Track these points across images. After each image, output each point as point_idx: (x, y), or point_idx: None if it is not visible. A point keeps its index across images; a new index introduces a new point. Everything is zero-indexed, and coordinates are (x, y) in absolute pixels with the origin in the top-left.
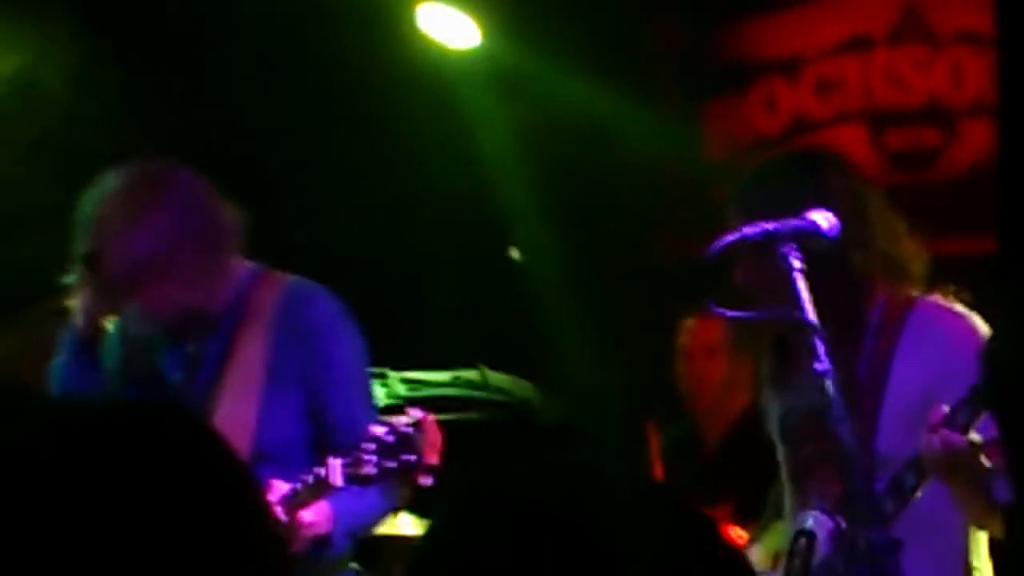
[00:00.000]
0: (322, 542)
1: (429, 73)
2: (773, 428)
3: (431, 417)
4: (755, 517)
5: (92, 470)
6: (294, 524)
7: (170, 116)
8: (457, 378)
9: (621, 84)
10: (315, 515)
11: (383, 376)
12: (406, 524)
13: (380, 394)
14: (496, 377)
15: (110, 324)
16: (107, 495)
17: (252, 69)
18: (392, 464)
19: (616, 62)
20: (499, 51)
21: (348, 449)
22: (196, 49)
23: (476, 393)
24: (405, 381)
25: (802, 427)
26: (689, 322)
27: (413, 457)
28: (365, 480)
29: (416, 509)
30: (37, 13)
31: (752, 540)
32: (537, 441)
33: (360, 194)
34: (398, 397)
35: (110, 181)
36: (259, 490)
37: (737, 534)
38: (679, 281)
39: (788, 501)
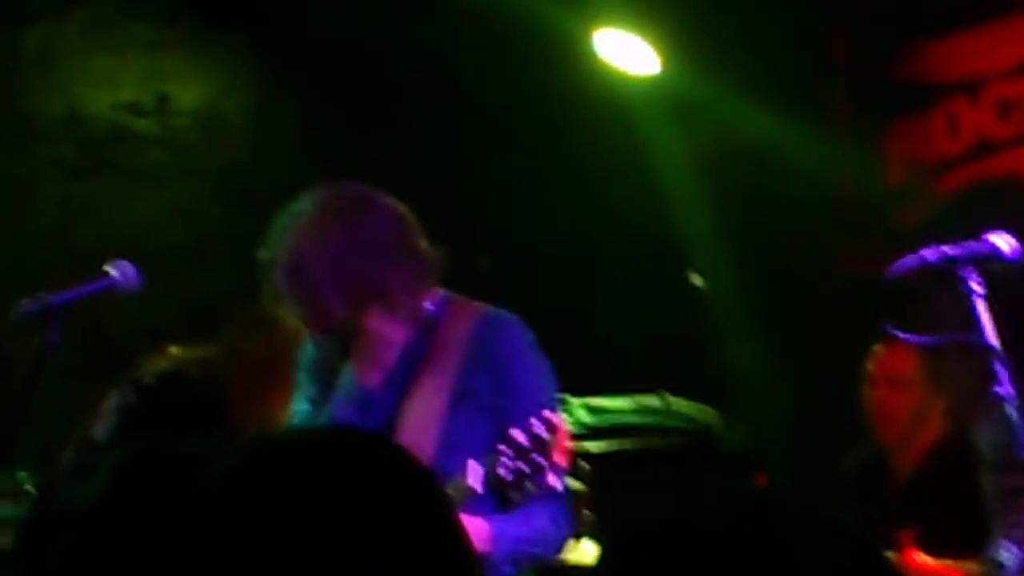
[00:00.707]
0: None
1: (608, 100)
2: (984, 457)
3: (558, 417)
4: (943, 545)
5: (304, 500)
6: None
7: (350, 146)
8: (639, 405)
9: (799, 108)
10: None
11: (565, 403)
12: (588, 551)
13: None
14: (678, 403)
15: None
16: (319, 522)
17: (435, 99)
18: (523, 466)
19: (794, 86)
20: (677, 77)
21: (487, 454)
22: (376, 80)
23: (658, 420)
24: (587, 408)
25: (1003, 457)
26: (877, 349)
27: (541, 457)
28: (500, 484)
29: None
30: (219, 47)
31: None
32: (719, 468)
33: (541, 220)
34: (580, 424)
35: (313, 197)
36: (459, 518)
37: (921, 560)
38: (860, 305)
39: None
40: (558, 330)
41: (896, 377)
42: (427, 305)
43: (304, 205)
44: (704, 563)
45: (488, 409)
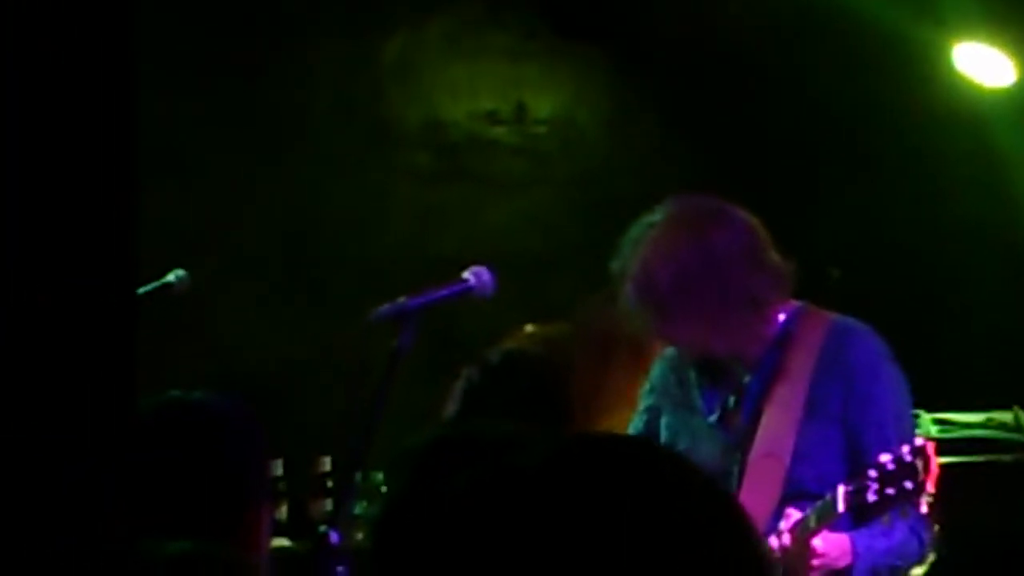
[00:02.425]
0: (841, 573)
1: (964, 112)
2: None
3: (930, 444)
4: None
5: (603, 509)
6: (803, 551)
7: (705, 158)
8: (990, 420)
9: None
10: (828, 546)
11: (915, 416)
12: None
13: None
14: None
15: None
16: (615, 533)
17: (790, 111)
18: (891, 491)
19: None
20: None
21: (856, 477)
22: (734, 96)
23: (1010, 435)
24: (937, 422)
25: None
26: None
27: (911, 484)
28: (865, 508)
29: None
30: (574, 57)
31: None
32: None
33: (894, 232)
34: (929, 438)
35: (664, 209)
36: (748, 525)
37: None
38: None
39: None
40: (909, 343)
41: None
42: (780, 316)
43: (655, 217)
44: None
45: (839, 419)
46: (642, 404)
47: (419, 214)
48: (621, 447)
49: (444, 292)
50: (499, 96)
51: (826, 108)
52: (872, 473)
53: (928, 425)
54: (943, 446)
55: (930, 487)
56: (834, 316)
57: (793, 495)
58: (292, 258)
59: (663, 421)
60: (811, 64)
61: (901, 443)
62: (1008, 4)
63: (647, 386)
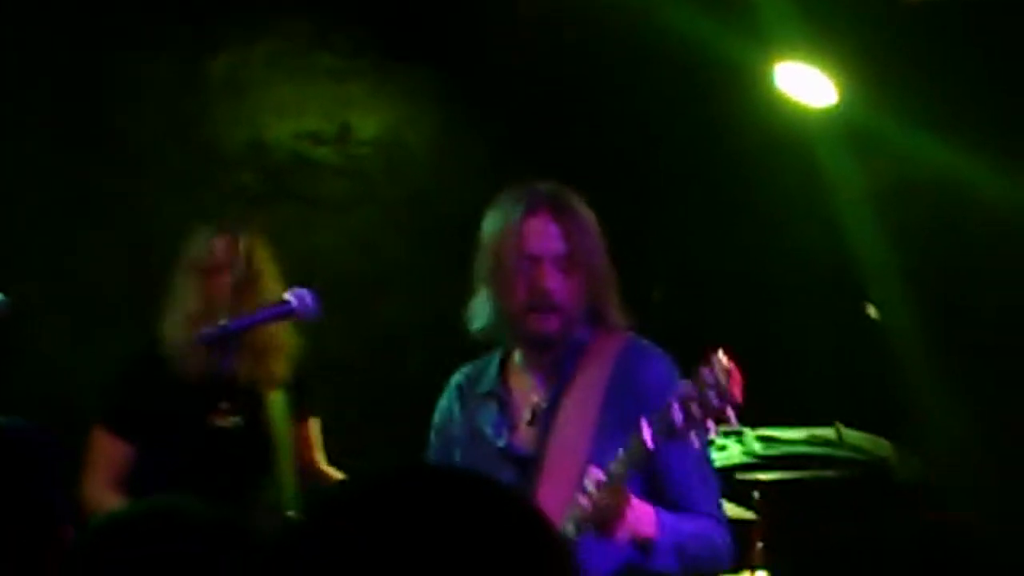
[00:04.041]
0: (646, 545)
1: (788, 132)
2: None
3: (727, 357)
4: None
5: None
6: (617, 500)
7: (532, 177)
8: (813, 436)
9: (981, 140)
10: (637, 505)
11: (740, 433)
12: None
13: (736, 451)
14: (852, 435)
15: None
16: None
17: (616, 131)
18: (698, 410)
19: (976, 118)
20: (856, 108)
21: (655, 412)
22: (559, 112)
23: (832, 451)
24: (761, 439)
25: None
26: None
27: (718, 400)
28: (675, 432)
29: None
30: (402, 77)
31: None
32: (892, 499)
33: (718, 251)
34: (753, 454)
35: (528, 185)
36: (566, 557)
37: None
38: None
39: None
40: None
41: None
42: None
43: (534, 189)
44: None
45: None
46: (431, 449)
47: None
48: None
49: (266, 314)
50: (324, 117)
51: (654, 130)
52: (674, 403)
53: (752, 442)
54: (767, 463)
55: (737, 395)
56: (629, 335)
57: None
58: (121, 280)
59: (456, 456)
60: (639, 87)
61: (694, 459)
62: (827, 24)
63: (432, 431)
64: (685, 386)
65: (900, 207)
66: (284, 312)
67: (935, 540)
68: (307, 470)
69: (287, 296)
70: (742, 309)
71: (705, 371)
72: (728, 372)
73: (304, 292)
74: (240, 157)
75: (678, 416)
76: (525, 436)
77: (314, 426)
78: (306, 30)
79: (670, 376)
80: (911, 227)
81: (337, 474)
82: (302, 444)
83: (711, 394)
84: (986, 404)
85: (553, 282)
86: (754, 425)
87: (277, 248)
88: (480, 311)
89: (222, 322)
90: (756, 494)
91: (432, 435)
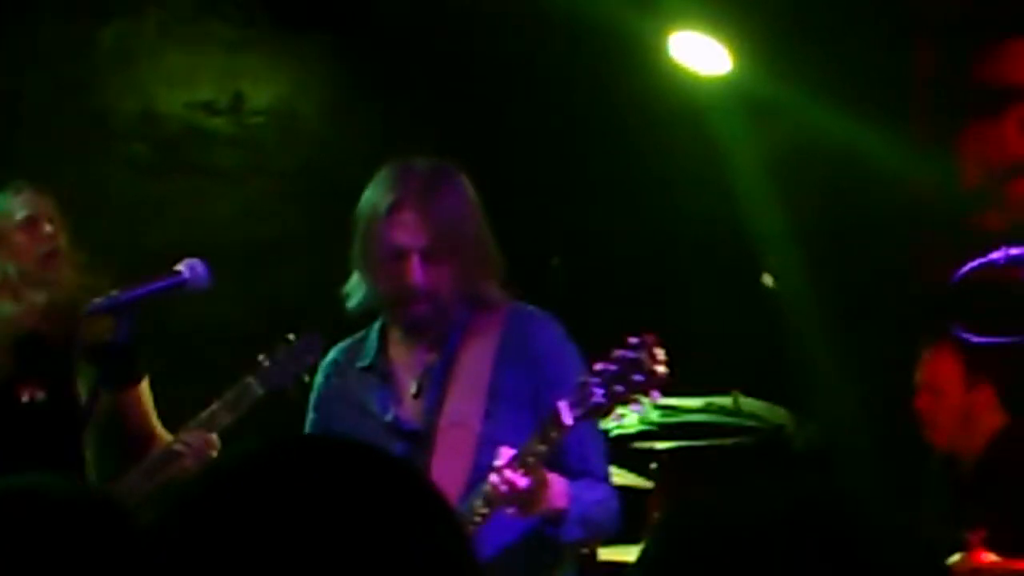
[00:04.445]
0: (557, 518)
1: (681, 101)
2: None
3: (652, 336)
4: (1013, 544)
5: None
6: (536, 476)
7: (427, 146)
8: (710, 404)
9: (874, 109)
10: (554, 481)
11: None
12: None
13: (633, 419)
14: (749, 404)
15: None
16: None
17: (509, 98)
18: (621, 388)
19: (869, 87)
20: (750, 77)
21: (575, 390)
22: (454, 82)
23: (729, 420)
24: (658, 407)
25: None
26: (925, 355)
27: (641, 377)
28: (595, 410)
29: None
30: (295, 47)
31: None
32: (790, 467)
33: (614, 219)
34: (651, 423)
35: (405, 163)
36: (459, 527)
37: (989, 559)
38: (933, 307)
39: None
40: (632, 330)
41: (938, 385)
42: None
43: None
44: (735, 558)
45: (529, 404)
46: (310, 427)
47: (135, 207)
48: (307, 447)
49: (157, 285)
50: (217, 86)
51: (548, 96)
52: (593, 380)
53: (650, 410)
54: (665, 432)
55: (661, 373)
56: (512, 303)
57: (483, 475)
58: None
59: (340, 432)
60: (534, 55)
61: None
62: None
63: (310, 410)
64: (605, 364)
65: (795, 175)
66: (176, 283)
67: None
68: (138, 436)
69: (179, 267)
70: (639, 277)
71: (627, 349)
72: (652, 350)
73: (196, 262)
74: (131, 127)
75: (598, 394)
76: (412, 410)
77: (145, 388)
78: None
79: (561, 340)
80: (806, 195)
81: (168, 436)
82: (130, 411)
83: (633, 372)
84: (879, 371)
85: (419, 276)
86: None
87: (171, 218)
88: (355, 291)
89: (112, 293)
90: (654, 463)
91: (310, 413)
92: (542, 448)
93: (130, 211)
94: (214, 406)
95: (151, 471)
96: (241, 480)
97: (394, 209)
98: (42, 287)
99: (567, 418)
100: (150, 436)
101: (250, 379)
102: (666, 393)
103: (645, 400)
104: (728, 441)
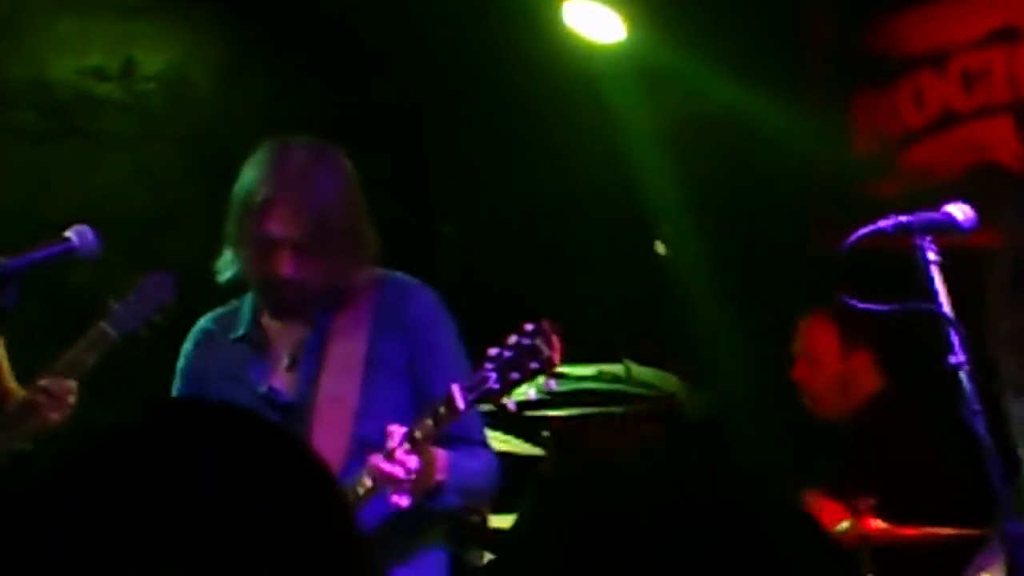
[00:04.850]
0: (435, 490)
1: (575, 69)
2: (1017, 430)
3: (549, 321)
4: (901, 512)
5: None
6: (427, 457)
7: (317, 113)
8: (602, 372)
9: (769, 78)
10: (439, 457)
11: None
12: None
13: (525, 387)
14: (641, 372)
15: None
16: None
17: (399, 64)
18: (516, 375)
19: (763, 56)
20: (645, 45)
21: (470, 374)
22: (344, 49)
23: (621, 387)
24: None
25: None
26: (802, 326)
27: (536, 364)
28: (490, 395)
29: None
30: (184, 12)
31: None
32: (680, 435)
33: (507, 188)
34: (542, 391)
35: (282, 144)
36: (340, 492)
37: (876, 526)
38: (827, 275)
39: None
40: (524, 298)
41: (815, 354)
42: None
43: (282, 148)
44: (605, 521)
45: (404, 372)
46: (177, 388)
47: (25, 173)
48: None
49: (45, 252)
50: (108, 53)
51: (438, 60)
52: (488, 366)
53: (541, 377)
54: (558, 399)
55: (557, 360)
56: (383, 272)
57: (362, 448)
58: None
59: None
60: (424, 20)
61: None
62: None
63: (179, 369)
64: (500, 349)
65: (688, 143)
66: (65, 249)
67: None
68: None
69: (68, 233)
70: (531, 245)
71: (523, 335)
72: (548, 336)
73: (85, 229)
74: (21, 95)
75: (492, 379)
76: (286, 381)
77: None
78: None
79: (435, 308)
80: (699, 163)
81: (21, 391)
82: None
83: (529, 359)
84: (771, 339)
85: (288, 268)
86: None
87: (61, 186)
88: (227, 268)
89: (0, 261)
90: (545, 431)
91: (178, 380)
92: (431, 428)
93: (20, 178)
94: (69, 353)
95: (10, 425)
96: (123, 442)
97: (267, 202)
98: None
99: (460, 402)
100: (3, 394)
101: (103, 323)
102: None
103: (538, 385)
104: (620, 409)
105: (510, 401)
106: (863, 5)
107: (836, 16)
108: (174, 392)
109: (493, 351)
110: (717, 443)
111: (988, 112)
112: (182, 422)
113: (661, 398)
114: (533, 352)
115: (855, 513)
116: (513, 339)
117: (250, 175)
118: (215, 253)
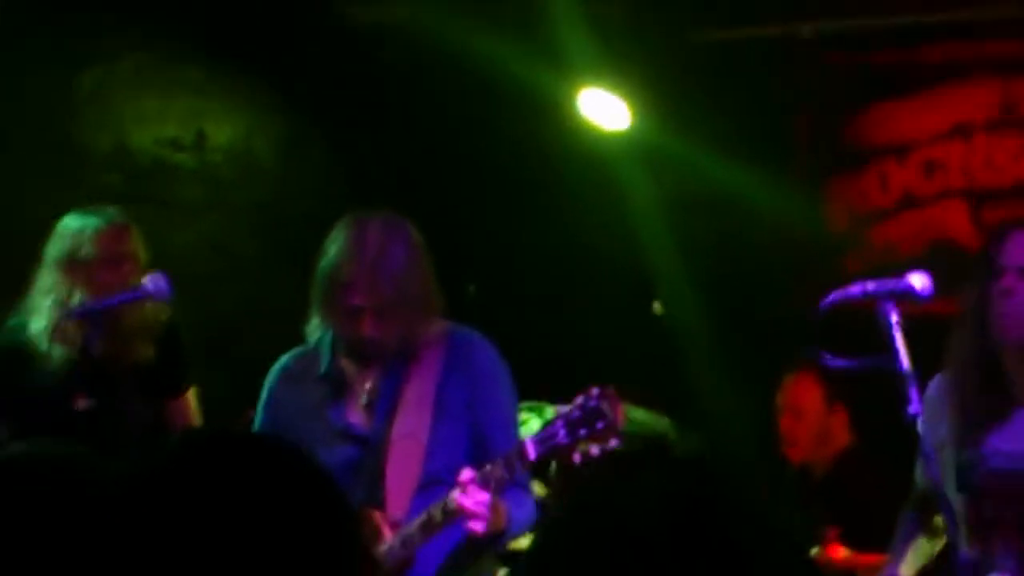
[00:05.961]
0: (497, 538)
1: (587, 151)
2: (947, 478)
3: (612, 388)
4: (861, 541)
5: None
6: (495, 500)
7: (363, 183)
8: None
9: (757, 162)
10: (505, 504)
11: (541, 408)
12: None
13: (536, 425)
14: (635, 411)
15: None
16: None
17: (436, 145)
18: (584, 432)
19: (753, 143)
20: (649, 131)
21: (540, 430)
22: (388, 126)
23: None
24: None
25: (989, 483)
26: (787, 379)
27: (602, 424)
28: (557, 450)
29: None
30: (250, 91)
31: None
32: (670, 473)
33: (524, 254)
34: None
35: (360, 222)
36: (357, 522)
37: (841, 553)
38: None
39: (959, 541)
40: (535, 349)
41: (800, 407)
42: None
43: (358, 223)
44: (617, 551)
45: (464, 419)
46: (259, 421)
47: None
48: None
49: (125, 296)
50: (182, 125)
51: (470, 144)
52: (558, 422)
53: (549, 413)
54: None
55: (619, 423)
56: (450, 325)
57: (430, 481)
58: None
59: (287, 433)
60: (458, 104)
61: (515, 435)
62: (624, 56)
63: (262, 403)
64: (570, 408)
65: (686, 218)
66: (141, 295)
67: (709, 504)
68: None
69: (143, 280)
70: (546, 304)
71: (590, 397)
72: (612, 401)
73: (158, 275)
74: (108, 160)
75: (562, 435)
76: (363, 418)
77: (190, 397)
78: (167, 46)
79: (496, 362)
80: (695, 234)
81: None
82: (177, 417)
83: (596, 419)
84: (754, 388)
85: (370, 329)
86: (553, 401)
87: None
88: (313, 332)
89: (84, 302)
90: (553, 466)
91: (259, 414)
92: (502, 475)
93: None
94: None
95: None
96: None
97: (351, 277)
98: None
99: (531, 454)
100: None
101: None
102: (559, 401)
103: (602, 445)
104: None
105: (576, 455)
106: (839, 102)
107: (816, 110)
108: (256, 423)
109: (562, 409)
110: (709, 477)
111: (945, 196)
112: (211, 454)
113: (654, 437)
114: (599, 413)
115: (822, 540)
116: (580, 400)
117: (333, 251)
118: (266, 306)
